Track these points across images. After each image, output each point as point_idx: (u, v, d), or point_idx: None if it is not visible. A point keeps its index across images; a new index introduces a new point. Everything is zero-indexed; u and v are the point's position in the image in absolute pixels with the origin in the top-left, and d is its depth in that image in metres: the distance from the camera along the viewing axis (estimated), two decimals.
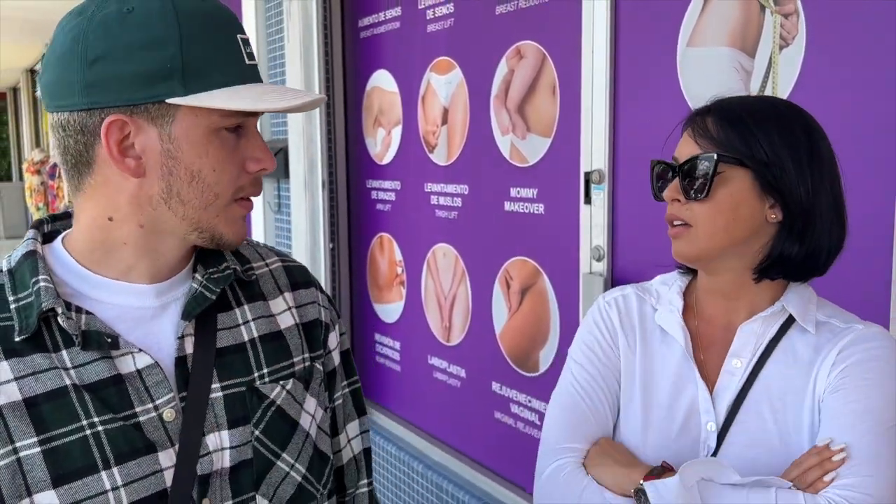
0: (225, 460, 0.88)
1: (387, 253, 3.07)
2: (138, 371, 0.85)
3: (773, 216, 1.06)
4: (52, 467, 0.80)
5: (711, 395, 1.10)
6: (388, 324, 3.10)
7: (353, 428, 1.10)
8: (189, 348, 0.89)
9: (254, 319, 0.96)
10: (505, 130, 2.37)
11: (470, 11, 2.50)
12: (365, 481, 1.12)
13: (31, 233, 0.91)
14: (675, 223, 1.09)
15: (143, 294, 0.89)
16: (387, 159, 3.00)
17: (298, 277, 1.04)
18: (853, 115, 1.48)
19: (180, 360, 0.89)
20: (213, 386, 0.90)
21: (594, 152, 2.01)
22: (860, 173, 1.47)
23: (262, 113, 0.86)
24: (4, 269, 0.87)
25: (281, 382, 0.95)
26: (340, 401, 1.07)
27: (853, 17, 1.47)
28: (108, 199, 0.86)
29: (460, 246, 2.65)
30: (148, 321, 0.89)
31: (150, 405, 0.85)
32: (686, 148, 1.10)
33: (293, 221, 3.39)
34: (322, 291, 1.07)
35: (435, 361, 2.81)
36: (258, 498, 0.91)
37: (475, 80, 2.50)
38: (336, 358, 1.06)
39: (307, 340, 1.01)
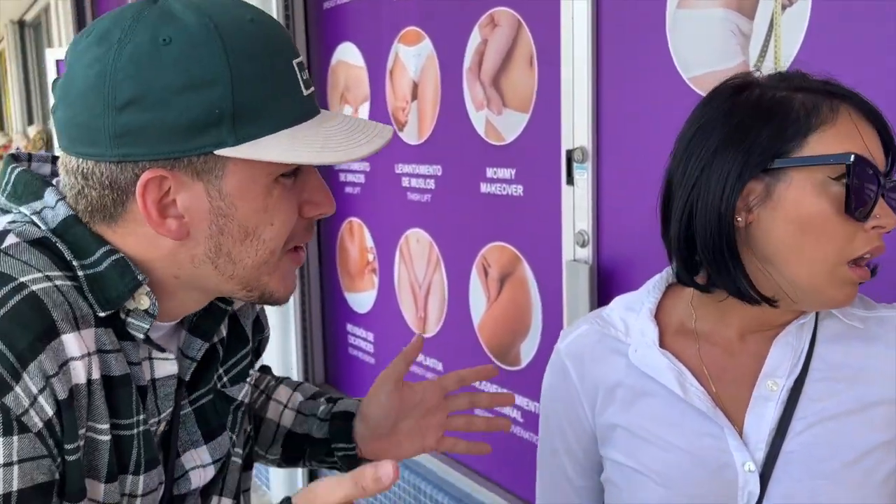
0: (207, 476, 0.83)
1: (357, 239, 2.89)
2: (153, 380, 0.78)
3: None
4: (111, 462, 0.72)
5: (743, 430, 0.90)
6: (360, 314, 2.94)
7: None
8: (186, 363, 0.82)
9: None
10: (479, 105, 2.20)
11: None
12: None
13: (55, 192, 0.74)
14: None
15: (155, 328, 0.78)
16: None
17: None
18: (864, 82, 1.32)
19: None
20: (182, 402, 0.82)
21: (576, 128, 1.84)
22: None
23: None
24: (44, 227, 0.72)
25: (248, 378, 0.89)
26: None
27: None
28: (137, 251, 0.73)
29: (434, 231, 2.48)
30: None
31: (158, 417, 0.79)
32: (880, 154, 0.86)
33: None
34: None
35: None
36: (216, 498, 0.87)
37: (446, 52, 2.32)
38: None
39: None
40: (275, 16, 2.95)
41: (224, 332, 0.87)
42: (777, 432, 0.88)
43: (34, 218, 0.73)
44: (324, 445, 1.01)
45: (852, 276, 0.84)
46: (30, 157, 0.80)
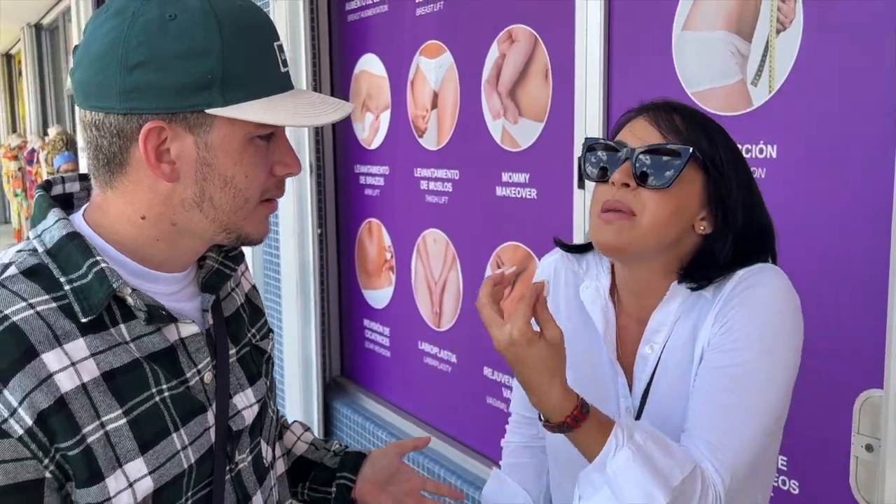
0: (253, 413, 0.99)
1: (375, 238, 3.05)
2: (182, 339, 0.91)
3: (701, 227, 1.08)
4: (139, 435, 0.84)
5: (630, 381, 1.12)
6: (377, 309, 3.09)
7: None
8: (210, 320, 0.97)
9: (237, 286, 1.06)
10: (496, 115, 2.36)
11: None
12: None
13: (57, 212, 0.88)
14: (614, 209, 1.05)
15: (168, 282, 0.93)
16: (375, 144, 2.98)
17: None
18: (851, 101, 1.48)
19: (207, 331, 0.96)
20: (231, 352, 0.98)
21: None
22: (857, 160, 1.47)
23: None
24: (40, 249, 0.86)
25: (270, 335, 1.10)
26: None
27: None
28: (141, 199, 0.87)
29: (451, 231, 2.64)
30: (173, 301, 0.93)
31: (195, 369, 0.92)
32: (645, 134, 1.07)
33: (280, 207, 3.36)
34: None
35: (425, 347, 2.81)
36: (262, 442, 1.03)
37: (466, 64, 2.48)
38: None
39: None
40: (301, 27, 3.12)
41: (240, 300, 1.05)
42: (647, 387, 1.10)
43: (35, 242, 0.86)
44: (329, 474, 1.20)
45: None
46: (63, 180, 0.95)
